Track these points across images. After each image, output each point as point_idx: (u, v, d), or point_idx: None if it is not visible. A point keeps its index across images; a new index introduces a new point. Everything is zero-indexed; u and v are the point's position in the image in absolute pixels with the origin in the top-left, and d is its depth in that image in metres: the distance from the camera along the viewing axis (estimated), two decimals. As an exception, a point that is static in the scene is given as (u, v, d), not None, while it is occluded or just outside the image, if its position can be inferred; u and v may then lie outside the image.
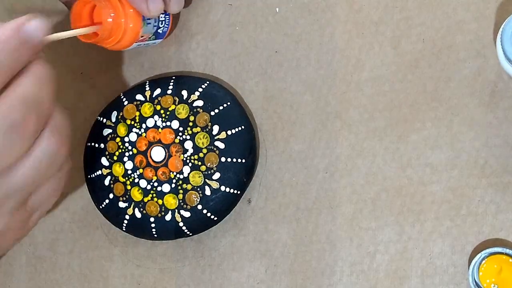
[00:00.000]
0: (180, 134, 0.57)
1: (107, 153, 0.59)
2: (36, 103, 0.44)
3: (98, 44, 0.56)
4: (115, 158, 0.59)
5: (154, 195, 0.57)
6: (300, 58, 0.59)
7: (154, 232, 0.57)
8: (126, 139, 0.59)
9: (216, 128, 0.57)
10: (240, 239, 0.58)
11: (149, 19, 0.57)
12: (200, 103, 0.58)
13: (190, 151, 0.57)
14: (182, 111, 0.58)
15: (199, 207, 0.56)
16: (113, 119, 0.59)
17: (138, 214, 0.57)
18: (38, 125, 0.45)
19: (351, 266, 0.56)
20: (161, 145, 0.57)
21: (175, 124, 0.57)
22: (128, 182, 0.58)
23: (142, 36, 0.57)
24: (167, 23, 0.59)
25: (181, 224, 0.57)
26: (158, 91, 0.59)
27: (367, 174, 0.56)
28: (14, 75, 0.44)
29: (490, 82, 0.54)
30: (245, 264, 0.58)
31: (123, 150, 0.58)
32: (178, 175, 0.57)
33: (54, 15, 0.64)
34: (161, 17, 0.58)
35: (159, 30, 0.58)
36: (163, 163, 0.57)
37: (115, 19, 0.55)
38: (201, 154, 0.56)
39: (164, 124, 0.58)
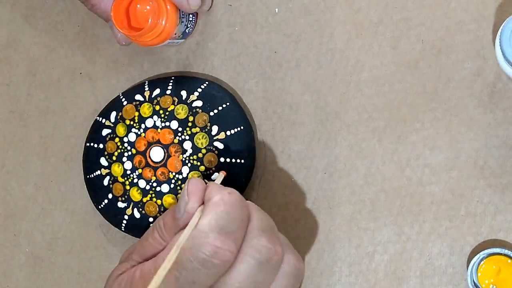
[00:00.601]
0: (179, 134, 0.57)
1: (106, 153, 0.59)
2: (234, 235, 0.46)
3: (134, 38, 0.57)
4: (114, 158, 0.59)
5: (153, 195, 0.57)
6: (300, 58, 0.59)
7: (153, 232, 0.58)
8: (125, 139, 0.59)
9: (215, 129, 0.57)
10: (239, 239, 0.58)
11: (183, 17, 0.58)
12: (199, 103, 0.58)
13: (189, 151, 0.57)
14: (181, 112, 0.58)
15: (198, 207, 0.56)
16: (112, 119, 0.59)
17: (137, 214, 0.57)
18: (237, 247, 0.45)
19: (349, 266, 0.56)
20: (160, 145, 0.57)
21: (174, 124, 0.57)
22: (127, 182, 0.58)
23: (175, 34, 0.58)
24: (193, 23, 0.60)
25: (180, 224, 0.57)
26: (157, 91, 0.59)
27: (366, 174, 0.56)
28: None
29: (489, 83, 0.54)
30: (244, 265, 0.58)
31: (122, 150, 0.58)
32: (177, 175, 0.57)
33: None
34: (191, 17, 0.59)
35: (187, 30, 0.59)
36: (162, 163, 0.57)
37: (155, 19, 0.55)
38: (200, 155, 0.56)
39: (163, 124, 0.58)
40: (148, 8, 0.57)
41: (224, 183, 0.56)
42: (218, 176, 0.53)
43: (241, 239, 0.45)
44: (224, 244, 0.44)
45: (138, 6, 0.58)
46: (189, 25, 0.59)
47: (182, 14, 0.58)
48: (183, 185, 0.56)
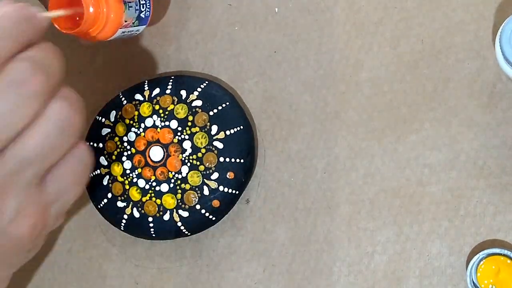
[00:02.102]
0: (179, 134, 0.57)
1: (105, 152, 0.59)
2: (44, 65, 0.43)
3: (80, 35, 0.54)
4: (113, 157, 0.59)
5: (153, 194, 0.57)
6: (299, 58, 0.59)
7: (152, 232, 0.57)
8: (125, 138, 0.59)
9: (214, 128, 0.57)
10: (238, 239, 0.58)
11: (130, 2, 0.55)
12: (199, 103, 0.58)
13: (189, 151, 0.57)
14: (181, 111, 0.58)
15: (198, 207, 0.56)
16: (112, 119, 0.59)
17: (137, 214, 0.57)
18: (47, 87, 0.43)
19: (349, 266, 0.56)
20: (160, 144, 0.57)
21: (173, 124, 0.57)
22: (126, 182, 0.58)
23: (125, 21, 0.55)
24: (148, 6, 0.57)
25: (179, 224, 0.57)
26: (157, 90, 0.59)
27: (365, 174, 0.56)
28: (20, 49, 0.43)
29: (489, 83, 0.54)
30: (243, 264, 0.58)
31: (121, 149, 0.58)
32: (176, 175, 0.57)
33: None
34: (142, 0, 0.57)
35: (141, 14, 0.57)
36: (161, 162, 0.57)
37: (96, 8, 0.53)
38: (199, 154, 0.56)
39: (162, 123, 0.58)
40: (93, 2, 0.53)
41: (223, 183, 0.56)
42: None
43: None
44: None
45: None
46: (142, 9, 0.57)
47: None
48: (182, 185, 0.56)
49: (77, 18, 0.54)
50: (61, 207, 0.46)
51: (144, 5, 0.57)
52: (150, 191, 0.57)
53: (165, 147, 0.57)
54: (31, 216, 0.44)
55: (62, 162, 0.45)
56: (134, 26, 0.57)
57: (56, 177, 0.45)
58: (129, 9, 0.55)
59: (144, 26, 0.58)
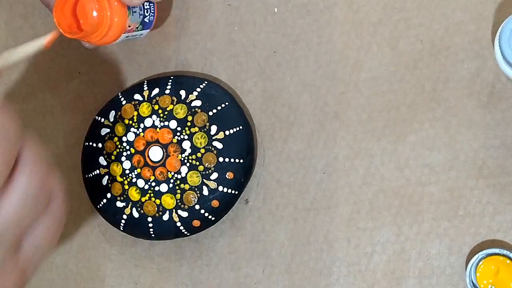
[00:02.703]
0: (178, 134, 0.57)
1: (105, 152, 0.59)
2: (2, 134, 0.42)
3: (84, 39, 0.55)
4: (113, 157, 0.59)
5: (152, 195, 0.57)
6: (299, 58, 0.59)
7: (151, 232, 0.57)
8: (124, 138, 0.58)
9: (214, 128, 0.57)
10: (237, 239, 0.58)
11: (134, 7, 0.55)
12: (198, 103, 0.58)
13: (188, 151, 0.57)
14: (180, 111, 0.58)
15: (197, 207, 0.56)
16: (111, 119, 0.59)
17: (136, 214, 0.57)
18: (8, 159, 0.42)
19: (348, 266, 0.56)
20: (159, 145, 0.57)
21: (173, 124, 0.57)
22: (125, 182, 0.58)
23: (129, 26, 0.55)
24: (152, 11, 0.57)
25: (178, 224, 0.57)
26: (156, 90, 0.59)
27: (365, 174, 0.56)
28: None
29: (488, 83, 0.54)
30: (243, 264, 0.58)
31: (121, 149, 0.58)
32: (176, 175, 0.57)
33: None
34: (146, 5, 0.57)
35: (145, 19, 0.57)
36: (161, 163, 0.57)
37: (100, 12, 0.53)
38: (199, 154, 0.56)
39: (162, 124, 0.58)
40: (97, 7, 0.54)
41: (222, 183, 0.56)
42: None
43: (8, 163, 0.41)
44: None
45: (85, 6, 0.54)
46: (147, 13, 0.57)
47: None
48: (182, 185, 0.56)
49: (81, 22, 0.54)
50: (35, 264, 0.47)
51: (148, 10, 0.57)
52: (149, 191, 0.57)
53: (164, 147, 0.57)
54: (10, 282, 0.44)
55: (37, 223, 0.45)
56: (138, 31, 0.57)
57: (33, 239, 0.45)
58: (133, 14, 0.56)
59: (148, 30, 0.58)
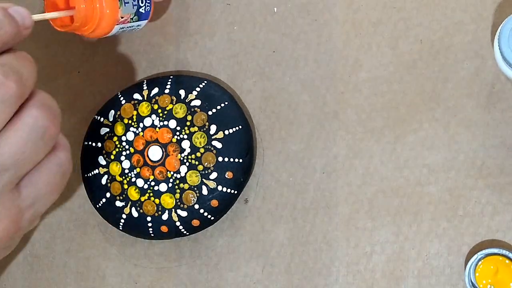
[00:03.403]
0: (178, 133, 0.57)
1: (104, 152, 0.59)
2: (16, 70, 0.43)
3: (76, 32, 0.54)
4: (112, 157, 0.59)
5: (151, 194, 0.57)
6: (298, 58, 0.59)
7: (151, 232, 0.57)
8: (124, 138, 0.58)
9: (213, 128, 0.57)
10: (237, 239, 0.58)
11: None
12: (197, 102, 0.58)
13: (187, 150, 0.57)
14: (180, 111, 0.58)
15: (196, 206, 0.56)
16: (111, 118, 0.59)
17: (135, 213, 0.57)
18: (20, 92, 0.42)
19: (347, 266, 0.56)
20: (159, 144, 0.57)
21: (172, 123, 0.57)
22: (125, 181, 0.58)
23: (122, 17, 0.55)
24: (148, 1, 0.57)
25: (178, 223, 0.57)
26: (155, 90, 0.59)
27: (364, 174, 0.56)
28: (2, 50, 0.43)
29: (488, 83, 0.54)
30: (242, 264, 0.58)
31: (120, 149, 0.58)
32: (175, 175, 0.57)
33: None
34: None
35: (141, 10, 0.56)
36: (160, 162, 0.57)
37: (89, 4, 0.53)
38: (198, 154, 0.56)
39: (161, 123, 0.58)
40: None
41: (222, 182, 0.56)
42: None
43: (24, 94, 0.43)
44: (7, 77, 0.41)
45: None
46: (141, 4, 0.56)
47: None
48: (181, 185, 0.56)
49: (73, 15, 0.54)
50: (35, 211, 0.46)
51: (144, 0, 0.56)
52: (148, 191, 0.57)
53: (163, 146, 0.57)
54: (3, 220, 0.44)
55: (38, 168, 0.45)
56: (133, 22, 0.56)
57: (31, 183, 0.45)
58: (125, 5, 0.55)
59: (146, 21, 0.58)
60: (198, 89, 0.58)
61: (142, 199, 0.57)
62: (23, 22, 0.44)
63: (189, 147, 0.57)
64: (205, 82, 0.59)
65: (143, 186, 0.57)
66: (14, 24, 0.44)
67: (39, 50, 0.65)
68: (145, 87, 0.59)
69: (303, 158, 0.58)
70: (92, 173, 0.59)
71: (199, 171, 0.56)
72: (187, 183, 0.56)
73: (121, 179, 0.58)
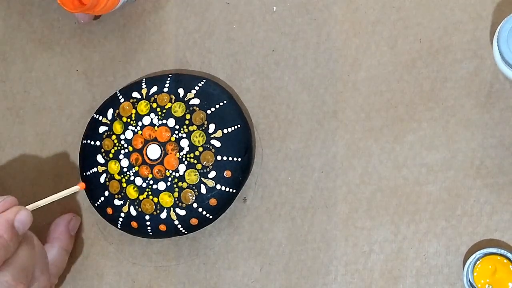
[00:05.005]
0: (176, 132, 0.57)
1: (102, 150, 0.59)
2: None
3: (89, 12, 0.58)
4: (110, 155, 0.58)
5: (150, 193, 0.57)
6: (297, 57, 0.59)
7: (149, 230, 0.57)
8: (122, 136, 0.58)
9: (212, 127, 0.57)
10: (235, 237, 0.58)
11: None
12: (196, 101, 0.58)
13: (186, 149, 0.57)
14: (179, 109, 0.57)
15: (195, 205, 0.56)
16: (109, 117, 0.59)
17: (134, 212, 0.57)
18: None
19: (346, 265, 0.56)
20: (157, 143, 0.57)
21: (171, 122, 0.57)
22: (123, 180, 0.58)
23: None
24: None
25: (176, 222, 0.57)
26: (154, 89, 0.59)
27: (362, 173, 0.56)
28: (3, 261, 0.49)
29: (487, 83, 0.54)
30: (240, 263, 0.58)
31: (119, 147, 0.58)
32: (173, 173, 0.57)
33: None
34: None
35: None
36: (159, 161, 0.57)
37: None
38: (197, 153, 0.56)
39: (160, 122, 0.58)
40: None
41: (220, 181, 0.56)
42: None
43: None
44: None
45: None
46: None
47: None
48: (180, 183, 0.56)
49: None
50: None
51: None
52: (147, 189, 0.57)
53: (162, 145, 0.57)
54: None
55: None
56: None
57: None
58: None
59: None
60: (197, 88, 0.58)
61: (141, 197, 0.57)
62: (23, 230, 0.51)
63: (188, 146, 0.57)
64: (204, 81, 0.59)
65: (141, 185, 0.57)
66: (16, 239, 0.50)
67: (38, 48, 0.65)
68: (144, 86, 0.59)
69: (302, 157, 0.58)
70: (91, 171, 0.59)
71: (197, 169, 0.56)
72: (186, 181, 0.56)
73: (119, 177, 0.58)
